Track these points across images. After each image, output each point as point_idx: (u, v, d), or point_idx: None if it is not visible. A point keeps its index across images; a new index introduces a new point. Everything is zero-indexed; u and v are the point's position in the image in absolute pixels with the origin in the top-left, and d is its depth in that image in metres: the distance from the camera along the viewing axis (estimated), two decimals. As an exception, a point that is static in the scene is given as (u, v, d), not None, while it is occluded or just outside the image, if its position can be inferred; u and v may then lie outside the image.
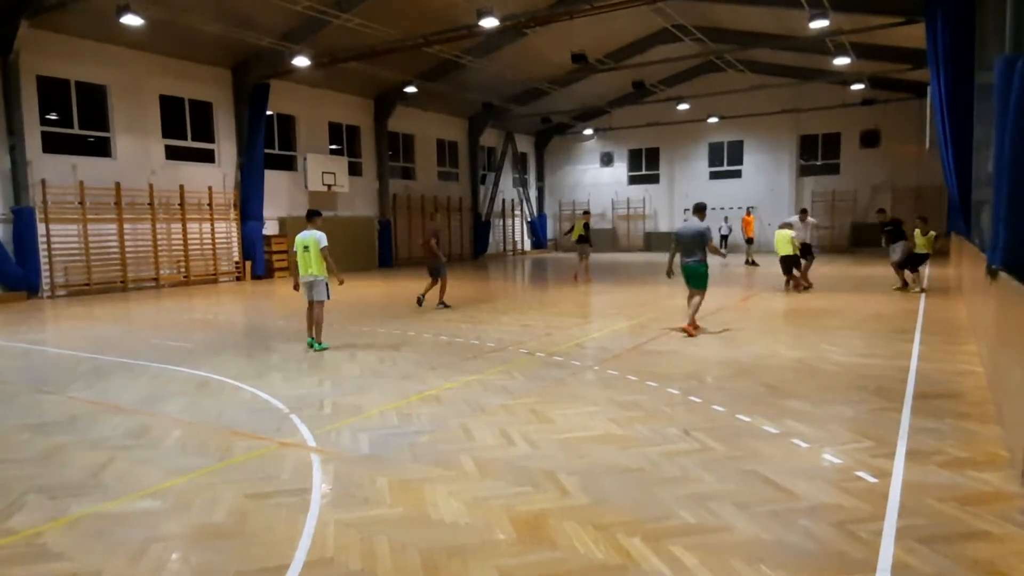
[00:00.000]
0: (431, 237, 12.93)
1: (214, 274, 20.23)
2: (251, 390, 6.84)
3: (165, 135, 19.11)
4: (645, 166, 34.41)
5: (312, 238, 8.98)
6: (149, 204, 18.49)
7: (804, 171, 30.48)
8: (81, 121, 17.43)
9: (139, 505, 4.05)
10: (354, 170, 25.11)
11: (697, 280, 9.67)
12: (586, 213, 20.77)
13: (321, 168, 23.12)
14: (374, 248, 25.90)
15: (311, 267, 8.98)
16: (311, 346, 9.04)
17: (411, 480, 4.33)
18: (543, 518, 3.73)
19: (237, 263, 20.89)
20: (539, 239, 35.72)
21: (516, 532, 3.58)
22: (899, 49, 21.21)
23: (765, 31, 22.75)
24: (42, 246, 16.21)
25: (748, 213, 25.55)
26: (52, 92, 16.74)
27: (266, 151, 21.26)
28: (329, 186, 23.29)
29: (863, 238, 28.71)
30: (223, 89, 20.48)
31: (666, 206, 33.23)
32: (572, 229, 18.66)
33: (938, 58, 12.19)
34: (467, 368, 7.65)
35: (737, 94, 27.22)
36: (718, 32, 23.45)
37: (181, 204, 19.22)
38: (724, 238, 26.62)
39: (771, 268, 17.80)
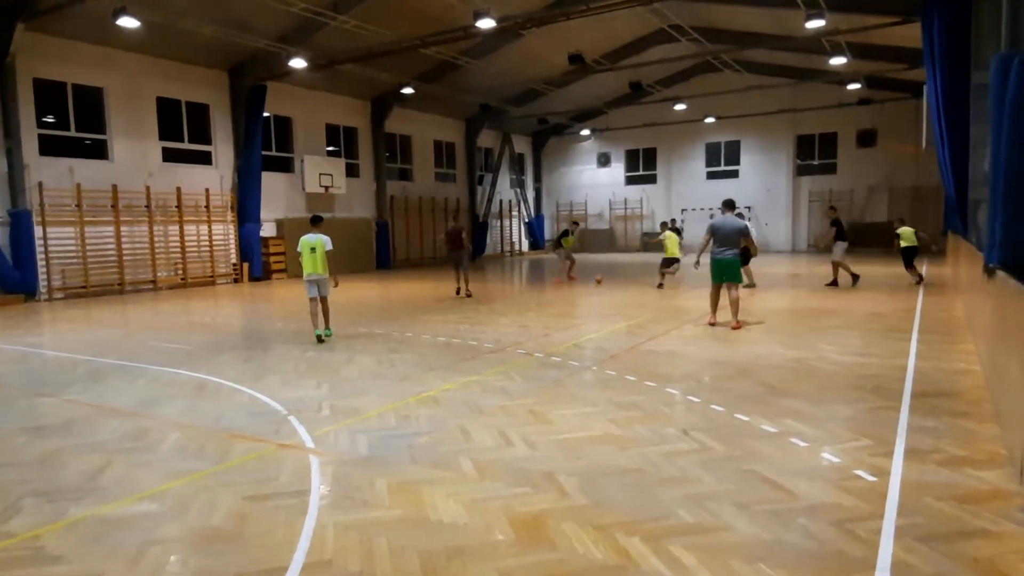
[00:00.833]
0: (460, 230, 15.28)
1: (211, 276, 20.21)
2: (249, 392, 6.83)
3: (162, 137, 19.10)
4: (642, 166, 34.44)
5: (319, 241, 9.76)
6: (146, 206, 18.47)
7: (801, 171, 30.53)
8: (78, 124, 17.42)
9: (137, 508, 4.04)
10: (351, 172, 25.11)
11: (733, 273, 10.10)
12: (575, 224, 20.81)
13: (318, 170, 23.11)
14: (372, 250, 25.89)
15: (318, 267, 9.77)
16: (321, 339, 9.67)
17: (410, 482, 4.33)
18: (542, 519, 3.73)
19: (235, 265, 20.88)
20: (537, 240, 35.73)
21: (515, 533, 3.57)
22: (895, 49, 21.26)
23: (761, 31, 22.78)
24: (39, 249, 16.19)
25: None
26: (49, 95, 16.72)
27: (263, 153, 21.25)
28: (326, 188, 23.28)
29: (860, 238, 28.68)
30: (220, 91, 20.46)
31: (663, 206, 33.23)
32: (567, 235, 19.03)
33: (934, 57, 12.23)
34: (465, 369, 7.65)
35: (734, 94, 27.26)
36: (715, 32, 23.48)
37: (178, 206, 19.20)
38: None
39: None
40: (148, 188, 18.47)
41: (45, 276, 16.42)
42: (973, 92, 10.43)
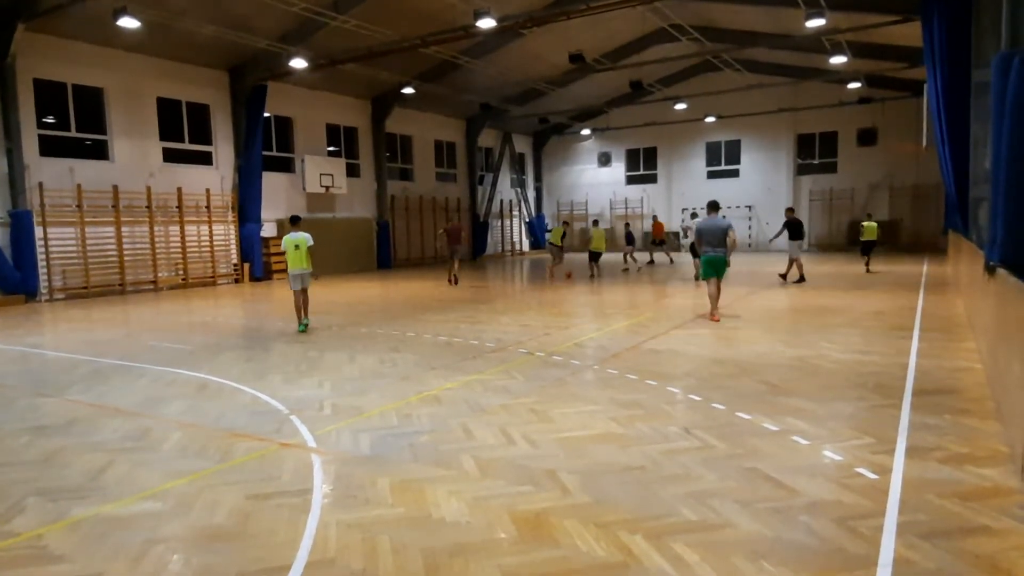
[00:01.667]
0: (460, 228, 18.38)
1: (212, 276, 20.22)
2: (251, 392, 6.84)
3: (163, 138, 19.11)
4: (643, 166, 34.43)
5: (302, 238, 10.73)
6: (147, 207, 18.48)
7: (801, 170, 30.52)
8: (78, 124, 17.42)
9: (140, 507, 4.04)
10: (352, 171, 25.11)
11: (721, 269, 10.73)
12: (565, 224, 21.86)
13: (319, 170, 23.12)
14: (372, 249, 25.90)
15: (302, 262, 10.72)
16: (303, 329, 10.62)
17: (412, 480, 4.33)
18: (544, 517, 3.73)
19: (235, 265, 20.89)
20: (537, 240, 35.73)
21: (517, 531, 3.58)
22: (896, 47, 21.25)
23: (762, 30, 22.78)
24: (40, 250, 16.20)
25: (655, 218, 25.63)
26: (49, 95, 16.73)
27: (264, 153, 21.26)
28: (327, 187, 23.28)
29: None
30: (220, 91, 20.47)
31: (664, 206, 33.23)
32: (563, 235, 19.98)
33: (934, 56, 12.22)
34: (467, 368, 7.65)
35: (734, 93, 27.26)
36: (715, 31, 23.48)
37: (179, 206, 19.22)
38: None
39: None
40: (149, 188, 18.48)
41: (46, 277, 16.43)
42: (974, 91, 10.43)
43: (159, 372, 7.95)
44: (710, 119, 29.67)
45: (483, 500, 3.99)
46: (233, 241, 20.80)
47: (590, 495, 4.01)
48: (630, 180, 34.74)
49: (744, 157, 31.53)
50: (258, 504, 4.02)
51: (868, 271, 18.29)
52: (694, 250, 16.87)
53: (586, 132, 34.47)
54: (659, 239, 23.99)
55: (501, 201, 33.63)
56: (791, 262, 16.46)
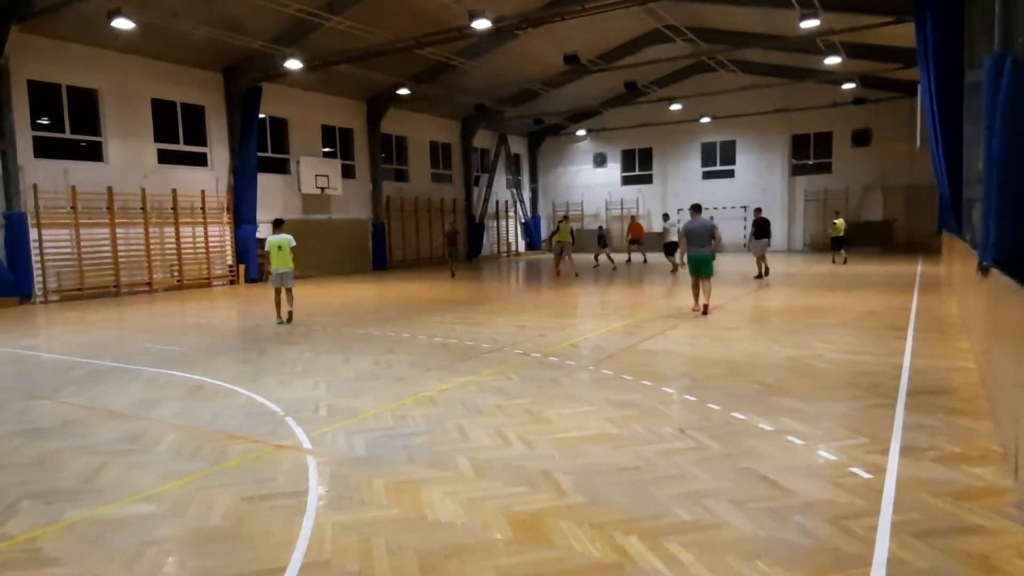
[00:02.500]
0: (456, 231, 21.79)
1: (207, 278, 20.17)
2: (246, 393, 6.83)
3: (157, 139, 19.06)
4: (638, 166, 34.47)
5: (284, 240, 11.78)
6: (142, 208, 18.43)
7: (796, 170, 30.60)
8: (73, 125, 17.37)
9: (134, 509, 4.03)
10: (347, 173, 25.08)
11: (708, 267, 11.44)
12: (566, 218, 22.43)
13: (314, 171, 23.08)
14: (368, 251, 25.87)
15: (286, 261, 11.68)
16: (281, 324, 11.57)
17: (407, 481, 4.33)
18: (540, 518, 3.74)
19: (231, 267, 20.84)
20: (533, 240, 35.74)
21: (513, 532, 3.58)
22: (889, 48, 21.32)
23: (756, 31, 22.85)
24: (34, 251, 16.14)
25: (633, 218, 26.54)
26: (43, 97, 16.67)
27: (259, 154, 21.19)
28: (322, 189, 23.25)
29: (855, 237, 28.81)
30: (215, 92, 20.43)
31: (659, 206, 33.24)
32: (558, 231, 20.92)
33: (928, 57, 12.27)
34: (462, 369, 7.65)
35: (729, 94, 27.32)
36: (709, 32, 23.53)
37: (174, 208, 19.17)
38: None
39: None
40: (143, 190, 18.42)
41: (40, 278, 16.36)
42: (967, 91, 10.47)
43: (154, 374, 7.93)
44: (705, 120, 29.73)
45: (478, 501, 3.99)
46: (228, 243, 20.76)
47: (585, 496, 4.01)
48: (626, 181, 34.78)
49: (739, 158, 31.60)
50: (253, 506, 4.01)
51: (843, 262, 21.13)
52: (667, 249, 19.94)
53: (581, 133, 34.51)
54: (637, 239, 24.76)
55: (497, 202, 33.64)
56: (759, 260, 17.78)
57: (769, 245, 18.11)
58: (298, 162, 22.82)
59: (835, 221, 21.82)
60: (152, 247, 18.74)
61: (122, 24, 14.66)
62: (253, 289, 19.29)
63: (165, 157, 19.32)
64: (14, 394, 7.18)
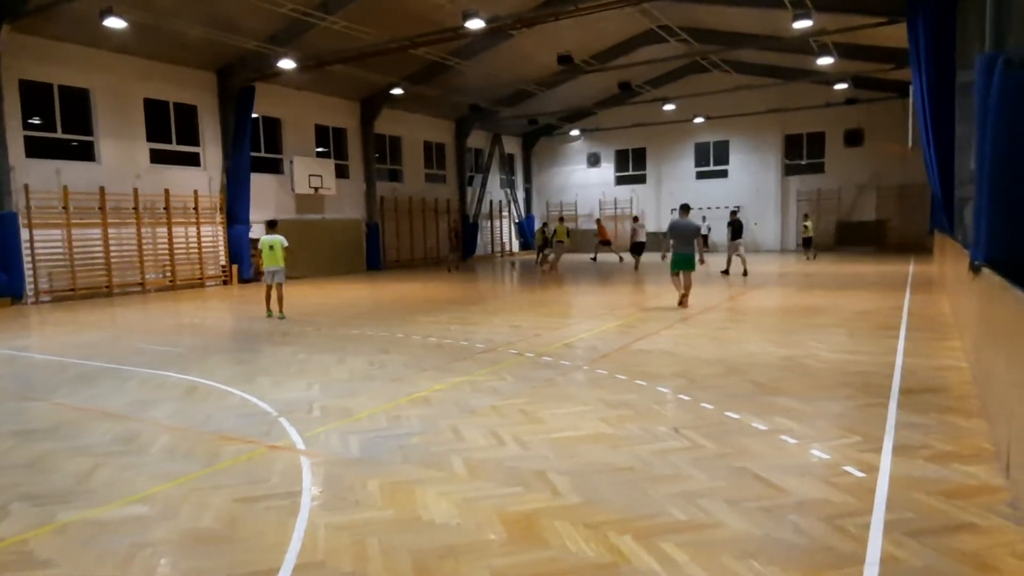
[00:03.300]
0: (454, 232, 25.34)
1: (200, 278, 20.09)
2: (239, 394, 6.80)
3: (150, 139, 18.97)
4: (632, 166, 34.52)
5: (276, 240, 12.44)
6: (134, 208, 18.35)
7: (789, 170, 30.69)
8: (64, 125, 17.27)
9: (127, 511, 4.01)
10: (341, 172, 25.02)
11: (688, 265, 11.95)
12: (561, 219, 24.06)
13: (308, 171, 23.02)
14: (362, 251, 25.82)
15: (277, 260, 12.40)
16: (270, 316, 12.43)
17: (401, 482, 4.32)
18: (534, 518, 3.73)
19: (224, 267, 20.76)
20: (527, 240, 35.74)
21: (507, 532, 3.58)
22: (882, 49, 21.41)
23: (749, 32, 22.89)
24: (26, 252, 16.05)
25: (598, 221, 29.00)
26: (35, 96, 16.57)
27: (252, 154, 21.14)
28: (316, 189, 23.19)
29: (848, 237, 28.98)
30: (208, 92, 20.35)
31: (653, 206, 33.34)
32: (555, 233, 22.21)
33: (920, 57, 12.33)
34: (456, 369, 7.65)
35: (722, 94, 27.35)
36: (703, 33, 23.57)
37: (167, 208, 19.09)
38: (704, 237, 27.03)
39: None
40: (136, 190, 18.34)
41: (32, 279, 16.27)
42: (958, 91, 10.53)
43: (147, 375, 7.90)
44: (699, 120, 29.79)
45: (473, 501, 3.99)
46: (221, 243, 20.68)
47: (580, 496, 4.01)
48: (619, 180, 34.82)
49: (732, 158, 31.67)
50: (247, 507, 4.00)
51: (813, 258, 23.65)
52: (634, 248, 22.37)
53: (575, 133, 34.51)
54: (605, 240, 26.81)
55: (491, 202, 33.62)
56: (741, 258, 18.64)
57: (741, 245, 19.09)
58: (292, 162, 22.77)
59: (805, 223, 24.60)
60: (145, 247, 18.65)
61: (114, 23, 14.59)
62: (246, 289, 19.22)
63: (158, 157, 19.23)
64: (6, 395, 7.13)
